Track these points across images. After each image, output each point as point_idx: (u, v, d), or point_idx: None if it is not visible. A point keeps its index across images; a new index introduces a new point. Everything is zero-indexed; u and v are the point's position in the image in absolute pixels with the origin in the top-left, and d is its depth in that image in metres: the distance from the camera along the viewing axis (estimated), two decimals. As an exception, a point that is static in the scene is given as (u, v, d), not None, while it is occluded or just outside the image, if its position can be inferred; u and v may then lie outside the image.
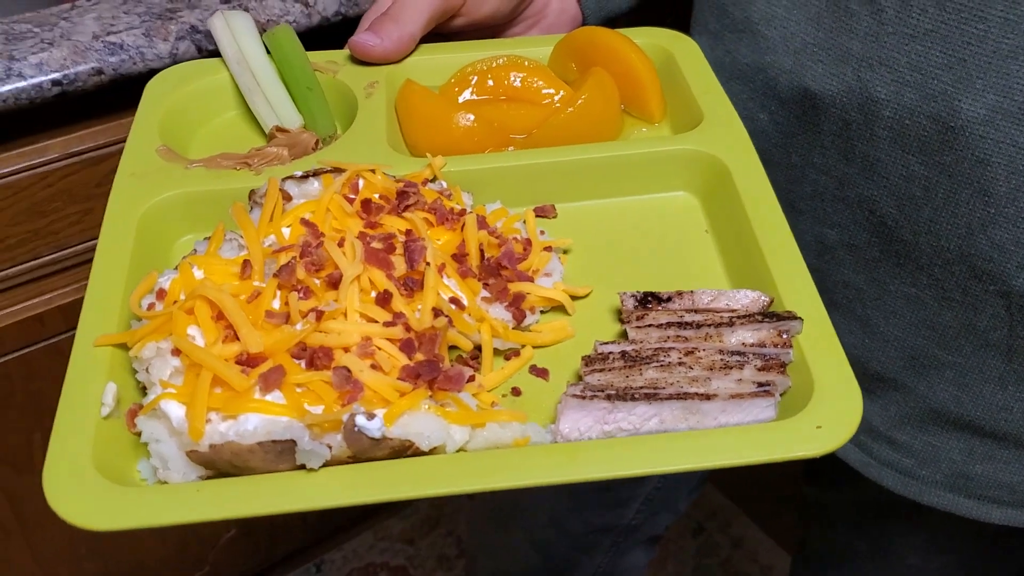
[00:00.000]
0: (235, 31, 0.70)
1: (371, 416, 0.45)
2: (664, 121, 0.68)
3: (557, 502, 1.06)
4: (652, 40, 0.71)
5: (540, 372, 0.53)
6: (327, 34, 1.01)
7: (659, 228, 0.61)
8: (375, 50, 0.68)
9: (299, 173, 0.57)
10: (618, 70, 0.67)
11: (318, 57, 0.70)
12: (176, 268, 0.53)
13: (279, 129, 0.65)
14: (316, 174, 0.58)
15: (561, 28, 0.76)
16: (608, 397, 0.48)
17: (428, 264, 0.52)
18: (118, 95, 0.88)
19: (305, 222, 0.54)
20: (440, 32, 0.72)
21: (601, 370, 0.50)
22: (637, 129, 0.68)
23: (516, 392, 0.52)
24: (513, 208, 0.61)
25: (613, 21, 0.78)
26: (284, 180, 0.57)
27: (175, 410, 0.47)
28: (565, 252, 0.59)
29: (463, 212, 0.58)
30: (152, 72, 0.87)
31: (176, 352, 0.49)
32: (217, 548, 1.42)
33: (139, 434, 0.48)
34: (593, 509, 1.06)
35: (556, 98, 0.67)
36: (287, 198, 0.56)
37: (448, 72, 0.70)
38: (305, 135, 0.64)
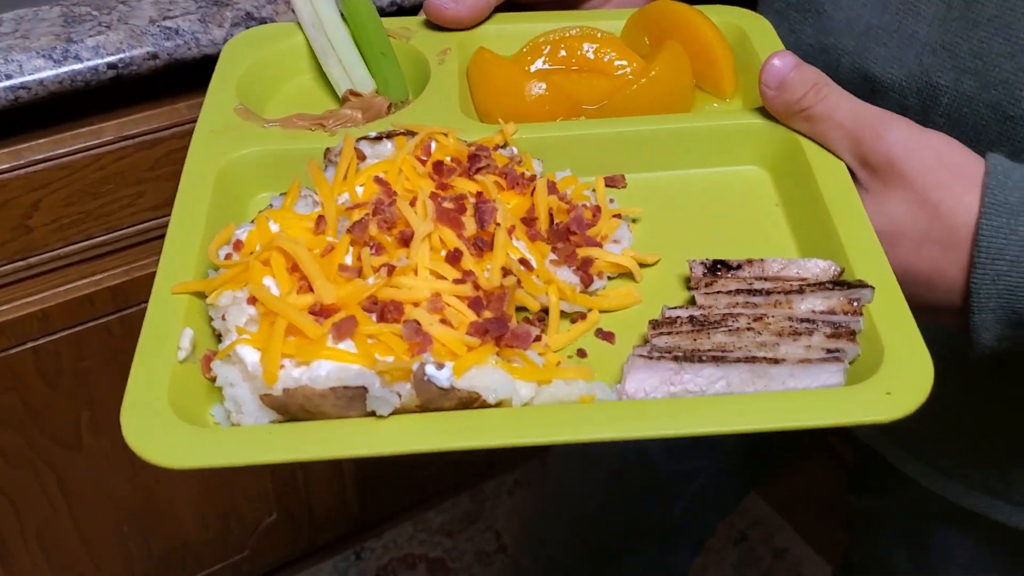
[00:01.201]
0: (311, -2, 0.71)
1: (440, 366, 0.46)
2: (736, 97, 0.68)
3: (606, 493, 1.06)
4: (725, 18, 0.71)
5: (606, 335, 0.53)
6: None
7: (729, 200, 0.61)
8: (449, 13, 0.69)
9: (373, 134, 0.58)
10: (692, 45, 0.67)
11: (393, 24, 0.71)
12: (252, 221, 0.54)
13: (352, 93, 0.66)
14: (389, 136, 0.59)
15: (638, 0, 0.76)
16: (675, 358, 0.48)
17: (498, 225, 0.53)
18: (172, 80, 0.90)
19: (379, 180, 0.55)
20: (516, 1, 0.72)
21: (668, 333, 0.50)
22: (708, 104, 0.68)
23: (582, 354, 0.52)
24: (582, 177, 0.61)
25: None
26: (358, 140, 0.58)
27: (250, 355, 0.48)
28: (634, 221, 0.59)
29: (533, 178, 0.58)
30: (206, 58, 0.91)
31: (252, 301, 0.50)
32: (257, 533, 1.44)
33: (214, 379, 0.50)
34: (641, 502, 1.05)
35: (628, 70, 0.67)
36: (361, 157, 0.57)
37: (520, 42, 0.70)
38: (378, 99, 0.65)
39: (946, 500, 0.77)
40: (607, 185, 0.61)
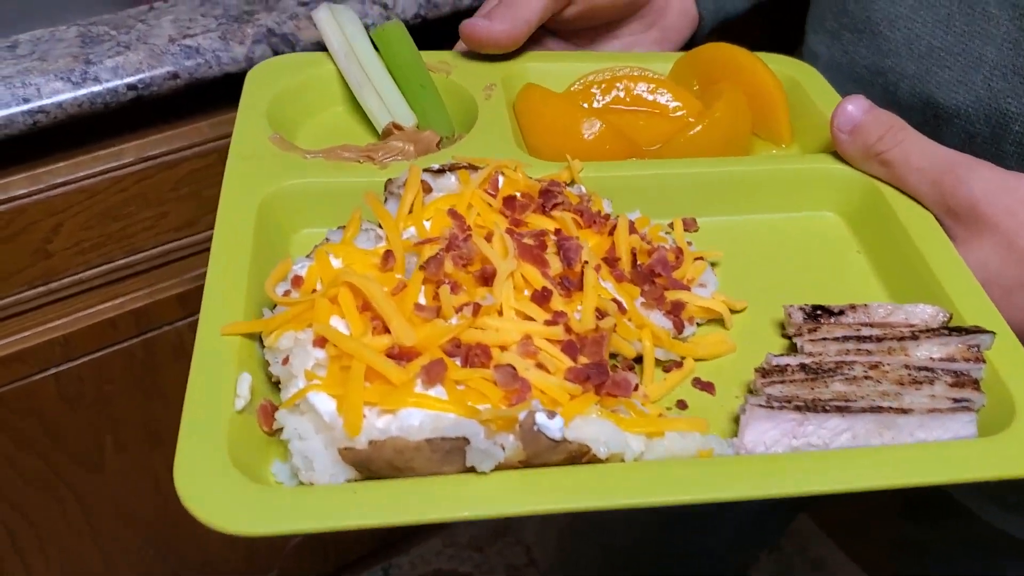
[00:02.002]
0: (342, 24, 0.66)
1: (551, 415, 0.41)
2: (792, 144, 0.65)
3: (642, 515, 0.99)
4: (775, 67, 0.69)
5: (705, 385, 0.48)
6: None
7: (805, 246, 0.57)
8: (484, 32, 0.65)
9: (436, 166, 0.54)
10: (748, 88, 0.64)
11: (430, 57, 0.67)
12: (310, 256, 0.49)
13: (396, 126, 0.61)
14: (452, 168, 0.54)
15: (680, 31, 0.74)
16: (797, 408, 0.44)
17: (586, 263, 0.48)
18: (193, 99, 0.86)
19: (453, 213, 0.50)
20: (552, 27, 0.69)
21: (780, 382, 0.46)
22: (766, 150, 0.65)
23: (682, 405, 0.47)
24: (652, 219, 0.57)
25: (726, 26, 0.76)
26: (421, 172, 0.53)
27: (324, 404, 0.42)
28: (713, 265, 0.55)
29: (607, 216, 0.54)
30: (228, 77, 0.87)
31: (319, 342, 0.44)
32: (285, 553, 1.38)
33: (274, 432, 0.43)
34: (678, 528, 0.99)
35: (685, 112, 0.64)
36: (427, 190, 0.52)
37: (564, 81, 0.67)
38: (427, 133, 0.60)
39: (1007, 535, 0.73)
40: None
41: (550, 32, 0.71)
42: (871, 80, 0.67)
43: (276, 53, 0.89)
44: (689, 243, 0.55)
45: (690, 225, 0.57)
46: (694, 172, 0.58)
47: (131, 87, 0.81)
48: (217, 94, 0.87)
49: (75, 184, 0.86)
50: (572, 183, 0.56)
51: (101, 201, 0.88)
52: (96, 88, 0.79)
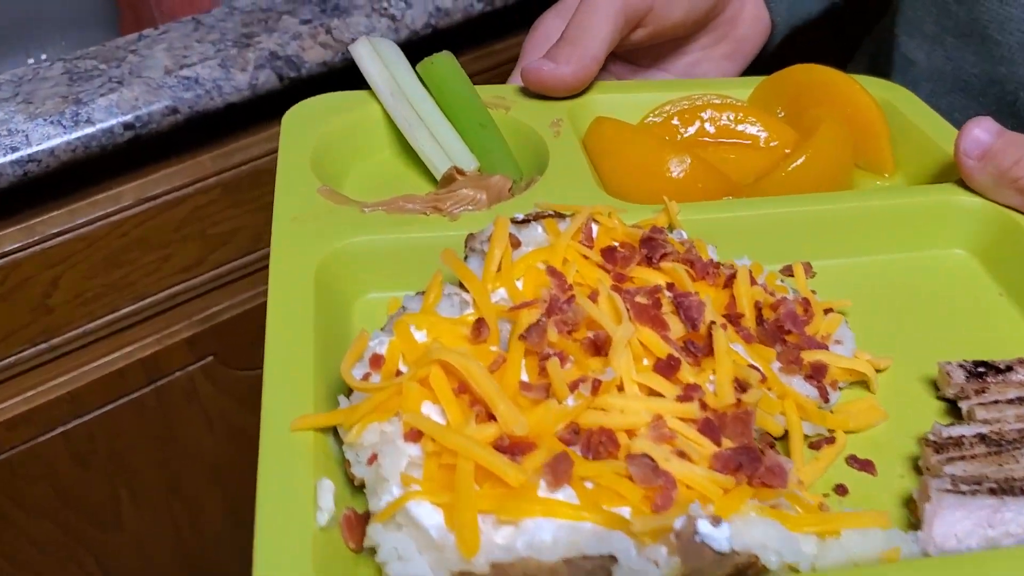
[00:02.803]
0: (385, 59, 0.59)
1: (716, 521, 0.33)
2: (896, 174, 0.59)
3: None
4: (868, 88, 0.62)
5: (864, 464, 0.41)
6: (417, 49, 0.95)
7: (939, 290, 0.50)
8: (549, 75, 0.58)
9: (519, 216, 0.46)
10: (845, 114, 0.58)
11: (485, 92, 0.60)
12: (387, 328, 0.41)
13: (458, 171, 0.54)
14: (537, 218, 0.47)
15: (752, 41, 0.67)
16: (991, 491, 0.37)
17: (714, 323, 0.41)
18: (193, 132, 0.80)
19: (552, 271, 0.42)
20: (618, 51, 0.62)
21: (960, 458, 0.39)
22: (869, 182, 0.58)
23: (841, 490, 0.40)
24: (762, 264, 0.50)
25: (794, 33, 0.70)
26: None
27: (428, 516, 0.34)
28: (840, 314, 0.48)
29: (718, 265, 0.46)
30: (230, 107, 0.81)
31: (411, 436, 0.36)
32: None
33: (363, 550, 0.36)
34: None
35: (779, 143, 0.57)
36: (516, 244, 0.44)
37: (636, 112, 0.60)
38: (496, 178, 0.53)
39: None
40: (790, 275, 0.50)
41: (612, 54, 0.65)
42: (983, 89, 0.61)
43: (281, 78, 0.83)
44: (812, 291, 0.48)
45: (805, 270, 0.50)
46: (807, 211, 0.51)
47: (128, 126, 0.75)
48: (218, 124, 0.82)
49: (72, 233, 0.80)
50: (671, 228, 0.49)
51: (101, 248, 0.82)
52: (90, 130, 0.73)
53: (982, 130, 0.50)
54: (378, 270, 0.48)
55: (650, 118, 0.59)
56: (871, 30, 0.84)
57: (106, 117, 0.75)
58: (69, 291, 0.85)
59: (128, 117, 0.76)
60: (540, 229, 0.46)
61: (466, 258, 0.45)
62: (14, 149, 0.71)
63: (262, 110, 0.89)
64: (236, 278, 0.97)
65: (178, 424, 0.99)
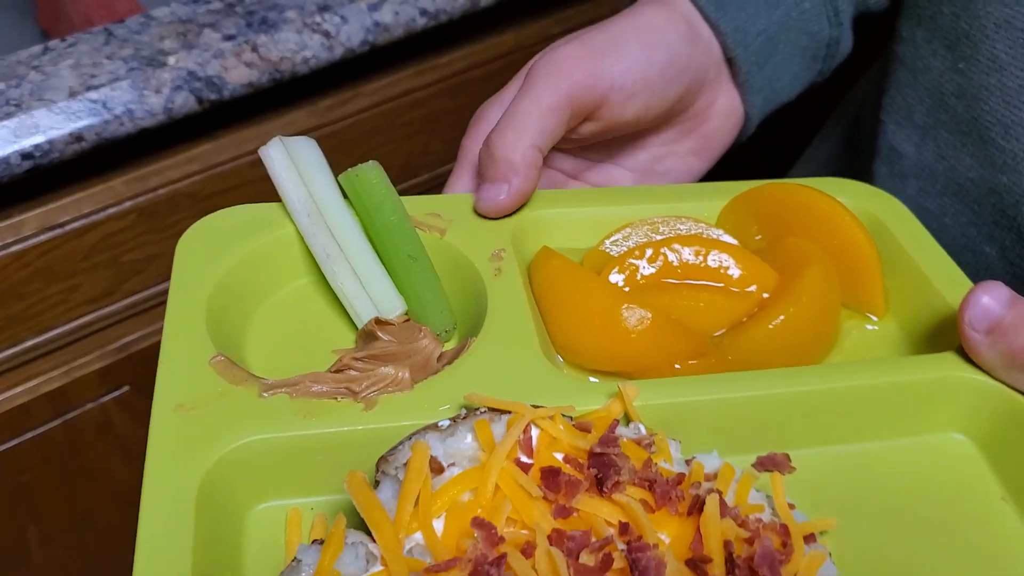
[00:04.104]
0: (302, 168, 0.51)
1: None
2: (887, 316, 0.51)
3: None
4: (849, 199, 0.55)
5: None
6: (352, 68, 0.89)
7: (931, 490, 0.43)
8: (497, 207, 0.51)
9: (444, 423, 0.38)
10: (832, 244, 0.50)
11: (416, 207, 0.52)
12: (273, 594, 0.34)
13: (379, 322, 0.46)
14: (467, 417, 0.39)
15: (723, 135, 0.59)
16: None
17: (674, 591, 0.34)
18: (103, 157, 0.75)
19: (478, 523, 0.35)
20: (565, 144, 0.54)
21: None
22: (858, 327, 0.51)
23: None
24: (728, 455, 0.43)
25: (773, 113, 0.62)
26: (425, 433, 0.38)
27: None
28: (820, 534, 0.41)
29: (680, 479, 0.39)
30: (143, 132, 0.74)
31: None
32: None
33: None
34: None
35: (756, 287, 0.49)
36: (437, 470, 0.37)
37: (588, 234, 0.53)
38: (423, 341, 0.45)
39: None
40: (766, 468, 0.43)
41: (558, 149, 0.57)
42: (980, 198, 0.54)
43: (200, 100, 0.76)
44: (791, 504, 0.41)
45: (783, 465, 0.43)
46: (785, 393, 0.43)
47: (26, 156, 0.69)
48: (131, 148, 0.76)
49: None
50: (627, 421, 0.42)
51: (2, 280, 0.77)
52: None
53: (992, 299, 0.43)
54: (277, 474, 0.40)
55: (606, 244, 0.52)
56: (847, 90, 0.76)
57: (1, 146, 0.68)
58: (-32, 324, 0.80)
59: (26, 145, 0.69)
60: (470, 438, 0.39)
61: (377, 484, 0.37)
62: None
63: (180, 132, 0.83)
64: (152, 305, 0.91)
65: (91, 456, 0.94)
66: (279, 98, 0.90)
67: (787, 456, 0.43)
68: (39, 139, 0.70)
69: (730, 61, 0.57)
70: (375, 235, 0.50)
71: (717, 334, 0.48)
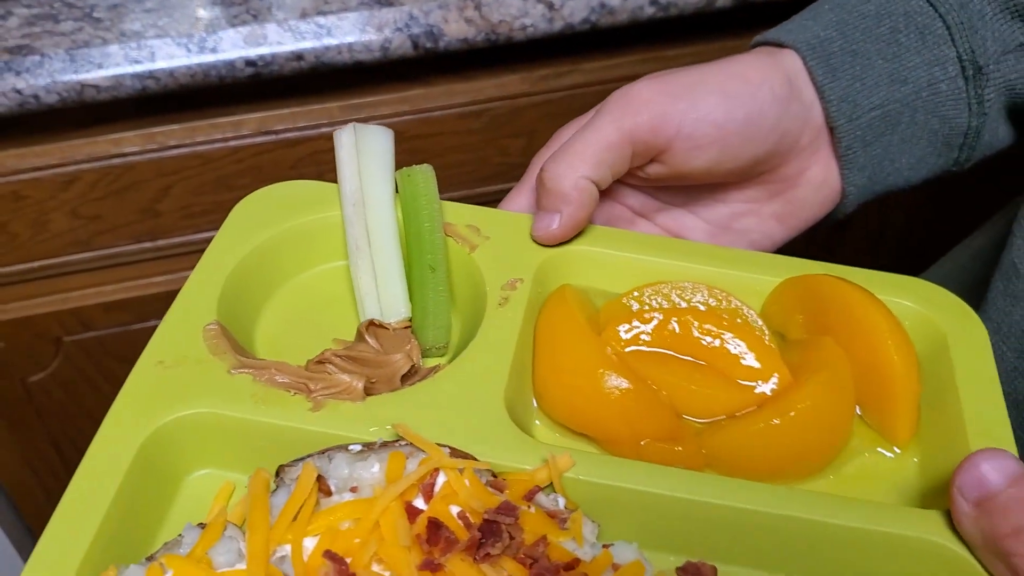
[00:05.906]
0: (364, 158, 0.53)
1: None
2: (910, 449, 0.46)
3: None
4: (922, 307, 0.49)
5: None
6: (573, 42, 0.91)
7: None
8: (554, 232, 0.50)
9: (356, 447, 0.40)
10: (860, 358, 0.46)
11: (459, 216, 0.52)
12: (147, 560, 0.37)
13: (374, 325, 0.48)
14: (384, 446, 0.40)
15: (813, 207, 0.55)
16: None
17: None
18: (321, 79, 0.84)
19: (330, 556, 0.36)
20: (635, 182, 0.54)
21: None
22: (871, 451, 0.46)
23: None
24: (654, 553, 0.41)
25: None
26: (335, 451, 0.40)
27: None
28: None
29: (574, 563, 0.39)
30: (359, 65, 0.82)
31: None
32: None
33: None
34: None
35: (761, 385, 0.46)
36: (325, 493, 0.39)
37: (623, 280, 0.51)
38: (398, 355, 0.46)
39: None
40: (689, 574, 0.41)
41: (629, 184, 0.55)
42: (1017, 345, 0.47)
43: (416, 45, 0.82)
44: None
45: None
46: (729, 507, 0.41)
47: (249, 63, 0.78)
48: (350, 77, 0.85)
49: (189, 148, 0.86)
50: (551, 491, 0.41)
51: (215, 169, 0.88)
52: (210, 59, 0.77)
53: (992, 469, 0.38)
54: (221, 447, 0.43)
55: (629, 299, 0.50)
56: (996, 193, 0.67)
57: (230, 49, 0.78)
58: (177, 201, 0.90)
59: (252, 55, 0.78)
60: (377, 467, 0.40)
61: (275, 489, 0.40)
62: (136, 62, 0.76)
63: (392, 72, 0.89)
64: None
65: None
66: (496, 58, 0.92)
67: (714, 569, 0.41)
68: (264, 51, 0.79)
69: (832, 130, 0.52)
70: (408, 238, 0.51)
71: (704, 421, 0.46)
